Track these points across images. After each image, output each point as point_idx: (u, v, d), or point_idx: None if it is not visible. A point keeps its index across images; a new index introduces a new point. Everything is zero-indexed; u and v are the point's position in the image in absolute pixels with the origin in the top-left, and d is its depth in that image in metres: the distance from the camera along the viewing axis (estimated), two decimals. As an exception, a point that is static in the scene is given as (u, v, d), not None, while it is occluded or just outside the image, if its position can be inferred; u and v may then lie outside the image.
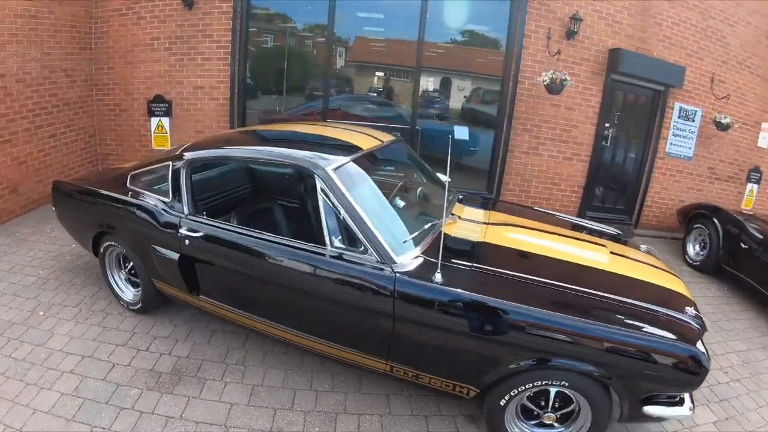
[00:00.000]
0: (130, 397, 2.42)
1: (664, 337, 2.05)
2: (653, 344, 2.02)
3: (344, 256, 2.22)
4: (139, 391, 2.46)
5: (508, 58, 5.61)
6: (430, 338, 2.16)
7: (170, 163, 2.78)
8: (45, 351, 2.72)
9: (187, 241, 2.59)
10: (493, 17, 5.67)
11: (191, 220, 2.63)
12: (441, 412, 2.55)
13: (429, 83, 6.06)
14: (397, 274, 2.13)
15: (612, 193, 6.67)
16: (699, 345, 2.10)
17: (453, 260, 2.28)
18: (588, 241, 2.98)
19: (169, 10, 4.87)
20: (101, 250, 3.15)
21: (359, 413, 2.46)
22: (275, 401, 2.48)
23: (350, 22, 5.49)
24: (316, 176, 2.30)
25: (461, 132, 5.92)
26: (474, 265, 2.32)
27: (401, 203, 2.68)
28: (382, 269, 2.15)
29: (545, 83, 5.31)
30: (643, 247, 3.18)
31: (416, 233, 2.33)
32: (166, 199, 2.76)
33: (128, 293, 3.20)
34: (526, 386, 2.11)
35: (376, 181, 2.57)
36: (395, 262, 2.16)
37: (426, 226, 2.47)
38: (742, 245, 4.79)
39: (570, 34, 5.53)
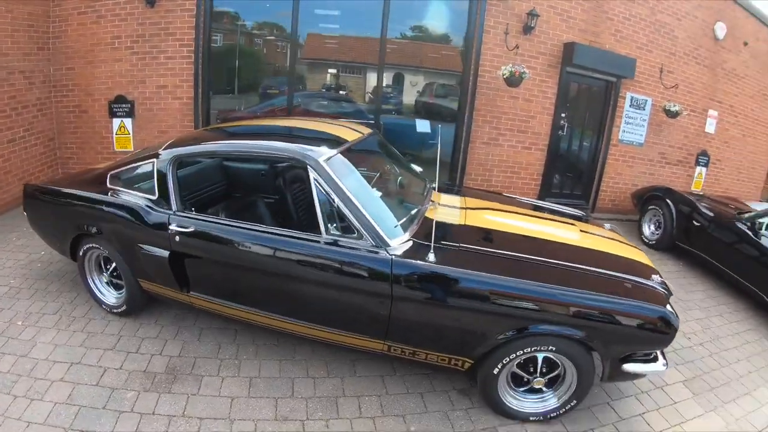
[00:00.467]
0: (127, 399, 2.30)
1: (636, 301, 2.20)
2: (628, 308, 2.16)
3: (339, 243, 2.21)
4: (136, 393, 2.34)
5: (468, 53, 5.68)
6: (426, 315, 2.20)
7: (154, 160, 2.63)
8: (30, 361, 2.53)
9: (177, 238, 2.47)
10: (453, 14, 5.72)
11: (180, 216, 2.51)
12: (435, 388, 2.60)
13: (391, 79, 6.02)
14: (393, 257, 2.15)
15: (569, 180, 6.92)
16: (667, 307, 2.25)
17: (441, 242, 2.31)
18: (559, 221, 3.11)
19: (131, 8, 4.55)
20: (80, 254, 2.94)
21: (358, 395, 2.46)
22: (275, 391, 2.43)
23: (311, 20, 5.34)
24: (309, 167, 2.27)
25: (423, 125, 5.94)
26: (460, 245, 2.36)
27: (386, 191, 2.67)
28: (377, 252, 2.17)
29: (505, 77, 5.41)
30: (607, 225, 3.37)
31: (404, 219, 2.37)
32: (151, 197, 2.61)
33: (110, 296, 3.02)
34: (517, 353, 2.19)
35: (361, 172, 2.55)
36: (389, 246, 2.18)
37: (412, 212, 2.50)
38: (695, 223, 5.15)
39: (527, 30, 5.67)
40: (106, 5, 4.51)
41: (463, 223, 2.71)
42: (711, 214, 5.07)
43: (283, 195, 3.32)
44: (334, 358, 2.75)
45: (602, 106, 6.61)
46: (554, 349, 2.18)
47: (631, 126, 6.75)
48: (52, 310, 3.02)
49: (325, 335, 2.42)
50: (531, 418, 2.37)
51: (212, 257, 2.50)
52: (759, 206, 5.84)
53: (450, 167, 6.04)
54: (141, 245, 2.61)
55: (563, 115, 6.38)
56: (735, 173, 8.22)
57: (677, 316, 2.24)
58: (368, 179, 2.58)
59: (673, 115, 6.58)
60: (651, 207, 5.87)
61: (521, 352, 2.18)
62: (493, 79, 5.70)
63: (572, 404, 2.32)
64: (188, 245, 2.48)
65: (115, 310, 2.97)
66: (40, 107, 4.71)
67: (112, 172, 2.84)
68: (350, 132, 2.88)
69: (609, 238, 3.02)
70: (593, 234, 2.99)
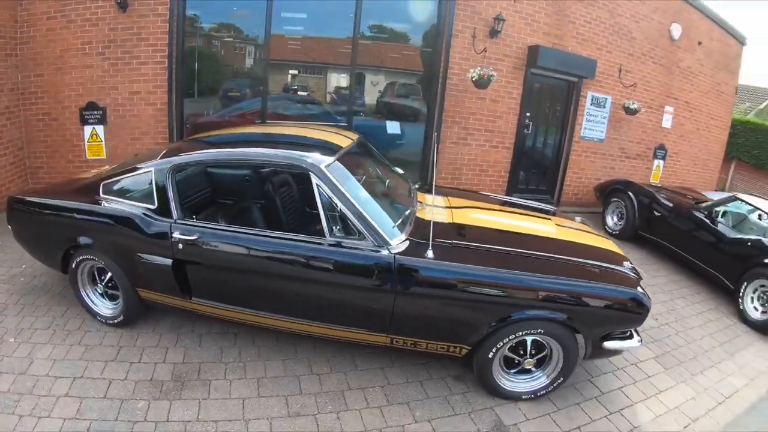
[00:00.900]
0: (138, 409, 2.36)
1: (612, 285, 2.52)
2: (606, 292, 2.49)
3: (342, 244, 2.40)
4: (147, 403, 2.41)
5: (437, 56, 5.96)
6: (427, 308, 2.43)
7: (152, 169, 2.70)
8: (30, 379, 2.52)
9: (180, 245, 2.56)
10: (423, 18, 5.98)
11: (182, 224, 2.60)
12: (432, 376, 2.83)
13: (363, 81, 6.21)
14: (396, 255, 2.36)
15: (534, 176, 7.36)
16: (639, 289, 2.58)
17: (435, 239, 2.53)
18: (536, 217, 3.42)
19: (102, 13, 4.50)
20: (73, 266, 2.96)
21: (362, 388, 2.66)
22: (283, 389, 2.58)
23: (282, 23, 5.44)
24: (311, 174, 2.44)
25: (393, 127, 6.19)
26: (453, 242, 2.60)
27: (379, 194, 2.88)
28: (379, 252, 2.37)
29: (473, 79, 5.73)
30: (578, 218, 3.72)
31: (399, 220, 2.58)
32: (150, 206, 2.68)
33: (105, 308, 3.05)
34: (510, 337, 2.46)
35: (355, 176, 2.74)
36: (390, 245, 2.39)
37: (406, 213, 2.72)
38: (656, 213, 5.64)
39: (493, 33, 6.01)
40: (76, 10, 4.45)
41: (451, 221, 2.96)
42: (670, 205, 5.58)
43: (272, 199, 3.45)
44: (335, 354, 2.93)
45: (565, 105, 7.08)
46: (542, 331, 2.46)
47: (592, 123, 7.26)
48: (44, 325, 3.00)
49: (331, 332, 2.60)
50: (523, 397, 2.65)
51: (218, 263, 2.60)
52: (715, 196, 6.45)
53: (421, 167, 6.31)
54: (140, 255, 2.68)
55: (528, 114, 6.79)
56: (690, 165, 8.95)
57: (649, 297, 2.58)
58: (362, 183, 2.78)
59: (632, 112, 7.12)
60: (613, 199, 6.35)
61: (513, 336, 2.45)
62: (461, 81, 6.02)
63: (559, 381, 2.62)
64: (193, 253, 2.57)
65: (110, 322, 3.00)
66: (8, 115, 4.60)
67: (105, 181, 2.87)
68: (341, 138, 3.06)
69: (581, 230, 3.36)
70: (567, 227, 3.32)
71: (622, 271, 2.73)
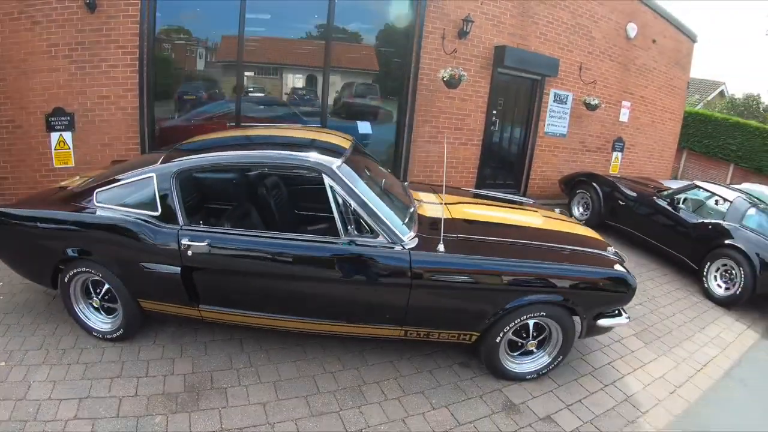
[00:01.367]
0: (157, 425, 2.34)
1: (602, 268, 2.82)
2: (597, 274, 2.79)
3: (357, 242, 2.53)
4: (164, 417, 2.39)
5: (408, 57, 6.19)
6: (440, 299, 2.62)
7: (153, 174, 2.67)
8: (31, 404, 2.42)
9: (190, 252, 2.56)
10: (394, 20, 6.18)
11: (190, 230, 2.60)
12: (439, 365, 3.03)
13: (336, 83, 6.33)
14: (411, 250, 2.52)
15: (502, 171, 7.79)
16: (625, 271, 2.88)
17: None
18: (523, 209, 3.69)
19: (69, 14, 4.32)
20: (65, 280, 2.86)
21: (377, 381, 2.81)
22: (301, 390, 2.67)
23: (255, 24, 5.46)
24: (324, 175, 2.54)
25: (364, 127, 6.39)
26: (457, 235, 2.79)
27: (382, 193, 3.02)
28: (393, 248, 2.52)
29: (445, 79, 6.01)
30: (557, 209, 4.03)
31: (407, 218, 2.74)
32: (154, 213, 2.64)
33: (101, 322, 2.98)
34: (515, 321, 2.69)
35: (360, 176, 2.87)
36: (404, 241, 2.54)
37: (410, 211, 2.89)
38: (620, 202, 6.12)
39: (462, 34, 6.31)
40: (41, 11, 4.25)
41: (450, 216, 3.15)
42: (634, 194, 6.09)
43: (266, 201, 3.51)
44: (344, 352, 3.06)
45: (529, 102, 7.54)
46: (544, 314, 2.71)
47: (555, 119, 7.78)
48: (35, 346, 2.89)
49: (347, 330, 2.72)
50: (527, 377, 2.90)
51: (230, 268, 2.63)
52: (672, 184, 7.08)
53: (393, 165, 6.52)
54: (144, 264, 2.65)
55: (495, 112, 7.19)
56: (647, 156, 9.70)
57: (634, 277, 2.88)
58: (366, 182, 2.91)
59: (593, 108, 7.69)
60: (579, 191, 6.83)
61: (518, 320, 2.69)
62: (431, 81, 6.29)
63: (560, 359, 2.89)
64: (203, 259, 2.58)
65: (108, 336, 2.95)
66: (-33, 124, 4.34)
67: (100, 189, 2.80)
68: (341, 139, 3.18)
69: (563, 220, 3.68)
70: (552, 218, 3.62)
71: (608, 256, 3.04)
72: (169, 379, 2.69)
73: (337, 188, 2.53)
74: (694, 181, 5.96)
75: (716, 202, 5.41)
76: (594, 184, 6.55)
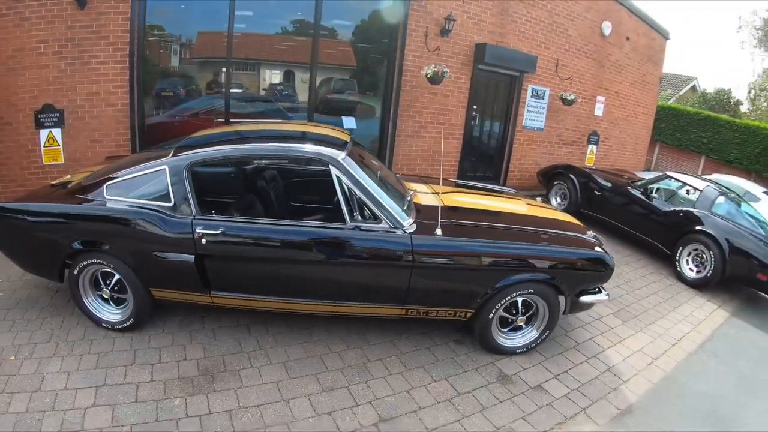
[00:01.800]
0: (176, 407, 2.49)
1: (583, 249, 3.16)
2: (579, 255, 3.13)
3: (362, 227, 2.78)
4: (183, 399, 2.54)
5: (392, 54, 6.48)
6: (439, 279, 2.91)
7: (165, 167, 2.83)
8: (47, 395, 2.51)
9: (204, 241, 2.74)
10: (379, 18, 6.43)
11: (203, 220, 2.78)
12: (436, 343, 3.32)
13: (324, 79, 6.58)
14: (411, 235, 2.79)
15: (482, 164, 8.19)
16: (603, 252, 3.22)
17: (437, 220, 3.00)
18: (508, 197, 4.02)
19: (58, 11, 4.38)
20: (75, 273, 2.98)
21: (380, 358, 3.07)
22: (310, 369, 2.91)
23: (243, 20, 5.62)
24: (330, 165, 2.78)
25: (349, 122, 6.64)
26: (452, 221, 3.08)
27: (382, 183, 3.28)
28: (395, 232, 2.79)
29: (428, 76, 6.33)
30: (538, 198, 4.38)
31: (405, 206, 3.01)
32: (166, 204, 2.80)
33: (110, 313, 3.11)
34: (506, 298, 2.99)
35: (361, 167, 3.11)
36: (405, 226, 2.82)
37: (407, 199, 3.16)
38: (596, 192, 6.55)
39: (444, 32, 6.64)
40: (30, 7, 4.30)
41: (443, 204, 3.42)
42: (609, 184, 6.53)
43: (266, 191, 3.70)
44: (347, 333, 3.30)
45: (508, 97, 7.96)
46: (532, 291, 3.02)
47: (532, 114, 8.22)
48: (43, 339, 2.98)
49: (353, 310, 2.97)
50: (517, 351, 3.22)
51: (243, 255, 2.84)
52: (646, 175, 7.59)
53: (378, 159, 6.76)
54: (158, 253, 2.81)
55: (475, 107, 7.57)
56: (621, 149, 10.26)
57: (612, 257, 3.22)
58: (367, 173, 3.16)
59: (569, 103, 8.15)
60: (556, 182, 7.26)
61: (509, 297, 2.99)
62: (414, 77, 6.60)
63: (547, 333, 3.22)
64: (217, 247, 2.77)
65: (118, 327, 3.07)
66: (-47, 121, 4.35)
67: (110, 182, 2.94)
68: (340, 133, 3.42)
69: (545, 207, 4.02)
70: (534, 205, 3.96)
71: (587, 238, 3.38)
72: (182, 365, 2.85)
73: (343, 178, 2.78)
74: (666, 172, 6.44)
75: (687, 192, 5.88)
76: (571, 176, 6.98)
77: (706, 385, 3.37)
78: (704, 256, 5.14)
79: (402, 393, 2.78)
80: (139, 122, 5.18)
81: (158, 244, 2.82)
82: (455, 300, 2.98)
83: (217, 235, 2.76)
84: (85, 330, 3.11)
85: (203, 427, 2.38)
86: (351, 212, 2.78)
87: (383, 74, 6.66)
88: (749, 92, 21.06)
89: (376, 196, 2.81)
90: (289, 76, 6.47)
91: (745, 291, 5.26)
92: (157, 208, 2.82)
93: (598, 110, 9.21)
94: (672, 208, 5.66)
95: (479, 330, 3.11)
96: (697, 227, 5.22)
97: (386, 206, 2.81)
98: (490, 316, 3.03)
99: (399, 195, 3.18)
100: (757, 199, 7.18)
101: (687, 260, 5.34)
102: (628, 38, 9.20)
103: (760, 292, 4.92)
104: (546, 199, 4.56)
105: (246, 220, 2.86)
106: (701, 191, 5.60)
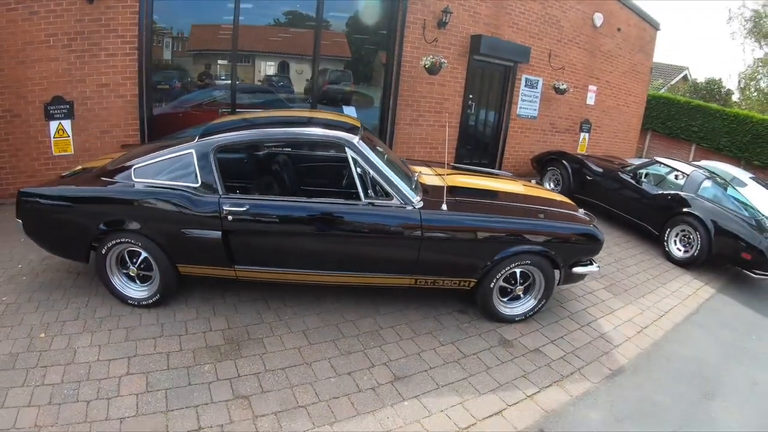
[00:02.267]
0: (207, 372, 2.75)
1: (575, 224, 3.52)
2: (572, 229, 3.49)
3: (375, 204, 3.11)
4: (212, 365, 2.81)
5: (392, 45, 6.82)
6: (445, 250, 3.24)
7: (192, 151, 3.11)
8: (81, 367, 2.72)
9: (230, 218, 3.03)
10: (378, 11, 6.79)
11: (229, 198, 3.07)
12: (441, 312, 3.66)
13: (326, 70, 6.92)
14: (420, 210, 3.11)
15: (477, 151, 8.57)
16: (594, 228, 3.59)
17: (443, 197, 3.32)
18: (506, 179, 4.38)
19: (67, 4, 4.61)
20: (102, 252, 3.21)
21: (391, 326, 3.41)
22: (328, 335, 3.23)
23: (249, 12, 5.90)
24: (346, 148, 3.10)
25: (349, 111, 6.95)
26: (456, 198, 3.41)
27: (391, 164, 3.60)
28: (405, 208, 3.12)
29: (426, 66, 6.68)
30: (533, 180, 4.73)
31: (413, 184, 3.34)
32: (193, 185, 3.09)
33: (136, 290, 3.36)
34: (506, 269, 3.34)
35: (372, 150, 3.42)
36: (414, 203, 3.14)
37: (414, 179, 3.50)
38: (588, 177, 6.94)
39: (441, 24, 6.99)
40: (39, 1, 4.52)
41: (446, 184, 3.75)
42: (600, 170, 6.93)
43: (281, 175, 3.96)
44: (358, 303, 3.63)
45: (502, 87, 8.35)
46: (529, 262, 3.37)
47: (526, 102, 8.62)
48: (71, 317, 3.20)
49: (367, 280, 3.30)
50: (517, 319, 3.57)
51: (267, 230, 3.14)
52: (637, 161, 8.01)
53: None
54: (186, 231, 3.09)
55: (471, 96, 7.95)
56: (612, 136, 10.71)
57: (602, 232, 3.59)
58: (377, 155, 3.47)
59: (561, 92, 8.54)
60: (550, 168, 7.66)
61: (508, 267, 3.33)
62: (413, 68, 6.96)
63: (543, 302, 3.57)
64: (242, 223, 3.07)
65: (144, 302, 3.32)
66: (-36, 115, 4.55)
67: (137, 166, 3.20)
68: (352, 120, 3.76)
69: (539, 188, 4.39)
70: (529, 186, 4.32)
71: (579, 216, 3.74)
72: (208, 335, 3.13)
73: (358, 159, 3.10)
74: (654, 157, 6.84)
75: (675, 176, 6.28)
76: (564, 162, 7.38)
77: (692, 351, 3.74)
78: (691, 236, 5.53)
79: (413, 355, 3.11)
80: (148, 113, 5.43)
81: (186, 223, 3.09)
82: (460, 270, 3.31)
83: (242, 213, 3.05)
84: (111, 307, 3.34)
85: (234, 388, 2.66)
86: (365, 190, 3.10)
87: (383, 65, 6.99)
88: (739, 82, 21.71)
89: (388, 175, 3.14)
90: (291, 68, 6.76)
91: (732, 270, 5.64)
92: (185, 189, 3.10)
93: (590, 99, 9.63)
94: (660, 192, 6.06)
95: (481, 299, 3.45)
96: (685, 209, 5.60)
97: (396, 184, 3.14)
98: (492, 286, 3.37)
99: (406, 175, 3.50)
100: (744, 185, 7.61)
101: (675, 240, 5.73)
102: (619, 29, 9.61)
103: (745, 270, 5.27)
104: (538, 182, 4.93)
105: (269, 198, 3.17)
106: (688, 175, 6.00)
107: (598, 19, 9.00)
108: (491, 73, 8.11)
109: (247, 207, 3.06)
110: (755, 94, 20.91)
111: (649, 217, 6.07)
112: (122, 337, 3.03)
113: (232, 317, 3.36)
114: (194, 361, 2.86)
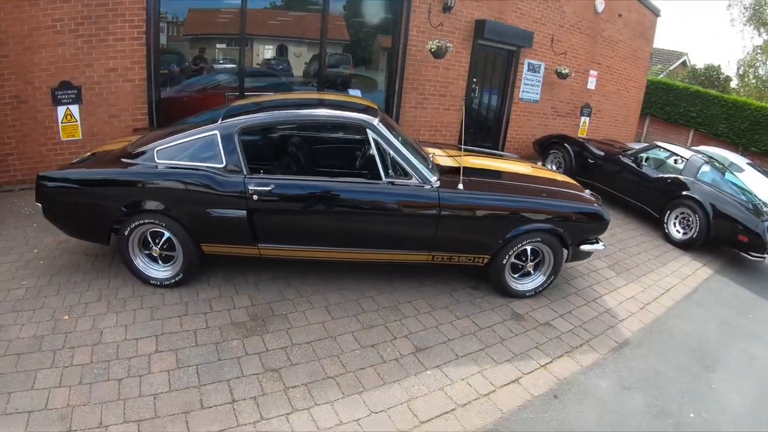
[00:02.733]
0: (235, 347, 2.92)
1: (583, 203, 3.77)
2: (580, 209, 3.74)
3: (395, 183, 3.31)
4: (240, 341, 2.98)
5: (397, 29, 7.00)
6: (461, 228, 3.46)
7: (216, 132, 3.26)
8: (109, 346, 2.84)
9: (255, 197, 3.20)
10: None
11: (254, 178, 3.23)
12: (455, 288, 3.91)
13: (333, 54, 7.12)
14: (439, 189, 3.33)
15: (481, 134, 8.83)
16: (601, 207, 3.85)
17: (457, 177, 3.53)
18: (514, 160, 4.61)
19: None
20: (125, 233, 3.32)
21: (409, 301, 3.65)
22: (349, 311, 3.44)
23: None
24: (368, 129, 3.29)
25: (354, 94, 7.11)
26: (470, 178, 3.62)
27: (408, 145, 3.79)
28: (423, 187, 3.33)
29: (432, 50, 6.87)
30: (539, 162, 4.98)
31: (429, 164, 3.56)
32: (218, 165, 3.24)
33: (158, 271, 3.50)
34: (518, 246, 3.58)
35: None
36: (431, 182, 3.36)
37: (430, 159, 3.71)
38: (590, 161, 7.21)
39: (446, 9, 7.17)
40: None
41: (460, 165, 3.96)
42: (602, 153, 7.20)
43: (298, 156, 4.10)
44: (375, 280, 3.85)
45: (505, 71, 8.59)
46: (540, 240, 3.60)
47: (528, 87, 8.87)
48: (94, 299, 3.31)
49: (386, 257, 3.52)
50: (527, 294, 3.83)
51: (291, 209, 3.33)
52: (636, 145, 8.30)
53: None
54: (211, 210, 3.25)
55: (474, 80, 8.18)
56: (612, 121, 11.00)
57: (608, 212, 3.85)
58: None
59: (563, 76, 8.79)
60: (552, 151, 7.93)
61: (520, 244, 3.58)
62: (418, 51, 7.14)
63: (552, 279, 3.83)
64: (267, 202, 3.24)
65: (166, 282, 3.47)
66: (-32, 102, 4.61)
67: (160, 148, 3.33)
68: (368, 102, 3.94)
69: (546, 170, 4.65)
70: (537, 168, 4.56)
71: (586, 196, 3.99)
72: (233, 312, 3.30)
73: (379, 140, 3.30)
74: (655, 142, 7.12)
75: (675, 161, 6.56)
76: (566, 145, 7.65)
77: (692, 327, 4.02)
78: (690, 219, 5.81)
79: (432, 328, 3.35)
80: (156, 97, 5.55)
81: (212, 202, 3.25)
82: (475, 247, 3.55)
83: (268, 192, 3.22)
84: (133, 288, 3.48)
85: (263, 362, 2.84)
86: (386, 170, 3.30)
87: (388, 49, 7.19)
88: (738, 69, 22.13)
89: (407, 155, 3.34)
90: (289, 52, 6.90)
91: (729, 252, 5.94)
92: (210, 170, 3.25)
93: (591, 84, 9.90)
94: (661, 175, 6.33)
95: (494, 274, 3.70)
96: (684, 192, 5.89)
97: (416, 164, 3.34)
98: (504, 262, 3.61)
99: (423, 156, 3.71)
100: (741, 170, 7.94)
101: (674, 223, 6.02)
102: (620, 15, 9.86)
103: (742, 253, 5.57)
104: (543, 164, 5.19)
105: (294, 178, 3.35)
106: (688, 160, 6.28)
107: (600, 4, 9.23)
108: (495, 57, 8.33)
109: (273, 186, 3.23)
110: (753, 81, 21.34)
111: (650, 199, 6.35)
112: (147, 316, 3.16)
113: (255, 295, 3.55)
114: (221, 337, 3.02)
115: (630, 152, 7.07)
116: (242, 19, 5.84)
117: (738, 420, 3.01)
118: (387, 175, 3.32)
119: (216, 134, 3.28)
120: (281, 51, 6.91)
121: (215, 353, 2.86)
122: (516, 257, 3.69)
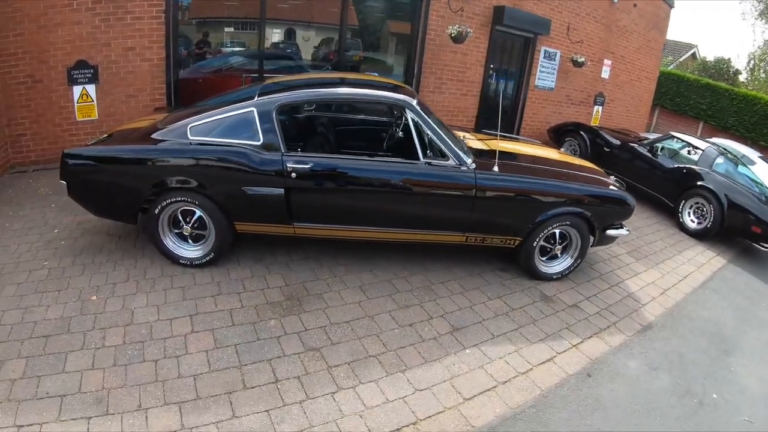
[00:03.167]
0: (273, 327, 2.99)
1: (609, 189, 3.94)
2: (608, 194, 3.91)
3: (432, 164, 3.44)
4: (277, 321, 3.05)
5: (417, 14, 7.15)
6: (496, 209, 3.60)
7: (253, 109, 3.31)
8: (142, 326, 2.85)
9: (294, 175, 3.27)
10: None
11: (292, 156, 3.31)
12: (484, 270, 4.07)
13: (354, 38, 7.35)
14: (475, 171, 3.47)
15: (497, 120, 8.94)
16: (626, 193, 4.02)
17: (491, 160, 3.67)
18: (539, 146, 4.78)
19: None
20: (156, 212, 3.33)
21: (441, 282, 3.80)
22: (383, 291, 3.58)
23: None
24: (406, 109, 3.42)
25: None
26: (503, 161, 3.74)
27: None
28: (460, 168, 3.47)
29: (452, 35, 7.04)
30: (562, 149, 5.15)
31: (464, 146, 3.71)
32: (255, 143, 3.29)
33: (188, 250, 3.55)
34: (548, 229, 3.74)
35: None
36: (468, 163, 3.50)
37: (463, 142, 3.86)
38: (605, 149, 7.40)
39: (466, -6, 7.28)
40: None
41: (490, 149, 4.10)
42: (617, 142, 7.39)
43: (327, 137, 4.18)
44: (407, 261, 3.99)
45: (522, 58, 8.77)
46: (569, 223, 3.77)
47: (544, 74, 9.08)
48: (121, 279, 3.32)
49: (421, 237, 3.65)
50: (554, 277, 4.01)
51: (329, 187, 3.42)
52: (650, 135, 8.51)
53: None
54: (247, 188, 3.29)
55: (492, 66, 8.34)
56: (625, 110, 11.23)
57: (633, 198, 4.03)
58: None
59: (579, 65, 8.99)
60: (567, 138, 8.13)
61: (550, 227, 3.74)
62: (438, 36, 7.30)
63: (579, 261, 4.01)
64: (306, 181, 3.32)
65: (197, 262, 3.52)
66: (-18, 81, 4.62)
67: (193, 125, 3.34)
68: (397, 82, 4.05)
69: (571, 156, 4.83)
70: (563, 153, 4.73)
71: (611, 182, 4.17)
72: (267, 292, 3.37)
73: (418, 120, 3.43)
74: (671, 132, 7.32)
75: (689, 151, 6.75)
76: (581, 132, 7.85)
77: (710, 313, 4.22)
78: (704, 209, 6.01)
79: (466, 308, 3.50)
80: (174, 77, 5.61)
81: (248, 180, 3.29)
82: (508, 229, 3.70)
83: (306, 170, 3.29)
84: (161, 268, 3.51)
85: (303, 341, 2.92)
86: (424, 151, 3.43)
87: (408, 33, 7.34)
88: (749, 62, 22.46)
89: (444, 137, 3.48)
90: (302, 35, 7.02)
91: (741, 243, 6.16)
92: (247, 147, 3.29)
93: (605, 73, 10.12)
94: (676, 165, 6.53)
95: (524, 256, 3.86)
96: (699, 183, 6.08)
97: (452, 146, 3.48)
98: (534, 245, 3.78)
99: (456, 138, 3.84)
100: (753, 163, 8.11)
101: (689, 212, 6.22)
102: (635, 5, 10.07)
103: (754, 243, 5.78)
104: (565, 149, 5.37)
105: (333, 156, 3.46)
106: (703, 151, 6.47)
107: (616, -6, 9.42)
108: (512, 43, 8.51)
109: (312, 165, 3.31)
110: (763, 75, 21.69)
111: (664, 189, 6.55)
112: (179, 296, 3.20)
113: (288, 275, 3.63)
114: (258, 317, 3.08)
115: (646, 141, 7.27)
116: (262, 2, 5.91)
117: (756, 402, 3.19)
118: (425, 155, 3.44)
119: (253, 110, 3.33)
120: (289, 35, 7.02)
121: (253, 333, 2.93)
122: (545, 240, 3.85)
